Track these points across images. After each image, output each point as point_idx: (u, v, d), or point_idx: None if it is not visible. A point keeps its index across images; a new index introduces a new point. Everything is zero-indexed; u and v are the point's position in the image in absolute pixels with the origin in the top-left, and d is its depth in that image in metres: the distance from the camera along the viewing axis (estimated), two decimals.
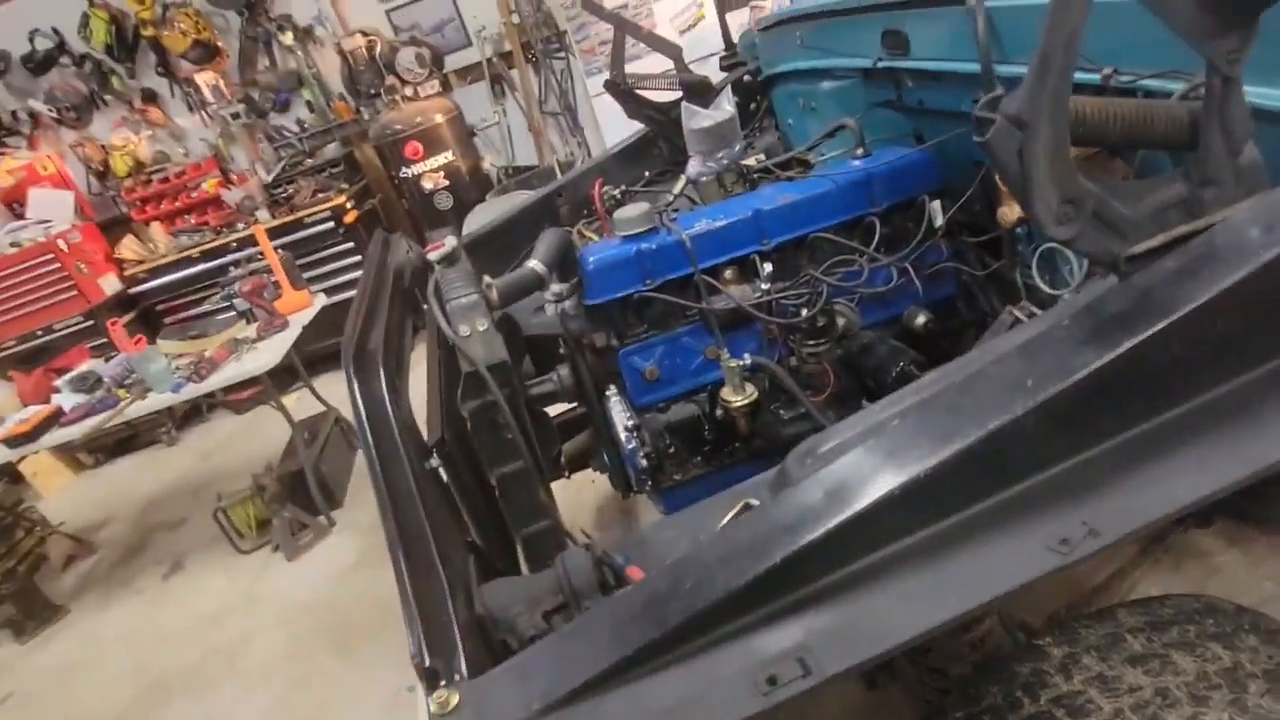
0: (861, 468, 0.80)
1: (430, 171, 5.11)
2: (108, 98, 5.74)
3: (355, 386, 1.12)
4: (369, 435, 1.06)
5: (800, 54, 2.19)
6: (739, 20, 3.44)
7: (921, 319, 1.74)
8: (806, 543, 0.73)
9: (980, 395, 0.80)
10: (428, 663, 0.82)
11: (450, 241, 1.67)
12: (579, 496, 3.05)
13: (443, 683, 0.80)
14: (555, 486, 2.26)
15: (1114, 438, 0.77)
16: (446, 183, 5.15)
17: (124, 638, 3.49)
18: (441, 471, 1.30)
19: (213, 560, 3.82)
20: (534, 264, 1.59)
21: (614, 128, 4.92)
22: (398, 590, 0.89)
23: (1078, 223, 0.84)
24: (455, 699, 0.77)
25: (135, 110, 5.75)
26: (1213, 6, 0.76)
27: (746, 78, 2.56)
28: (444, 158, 5.12)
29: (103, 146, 5.72)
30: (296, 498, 3.73)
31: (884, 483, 0.76)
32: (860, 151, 1.79)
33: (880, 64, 1.76)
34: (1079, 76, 1.23)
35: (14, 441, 3.30)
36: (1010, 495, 0.76)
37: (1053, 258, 1.41)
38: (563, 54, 5.64)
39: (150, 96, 5.74)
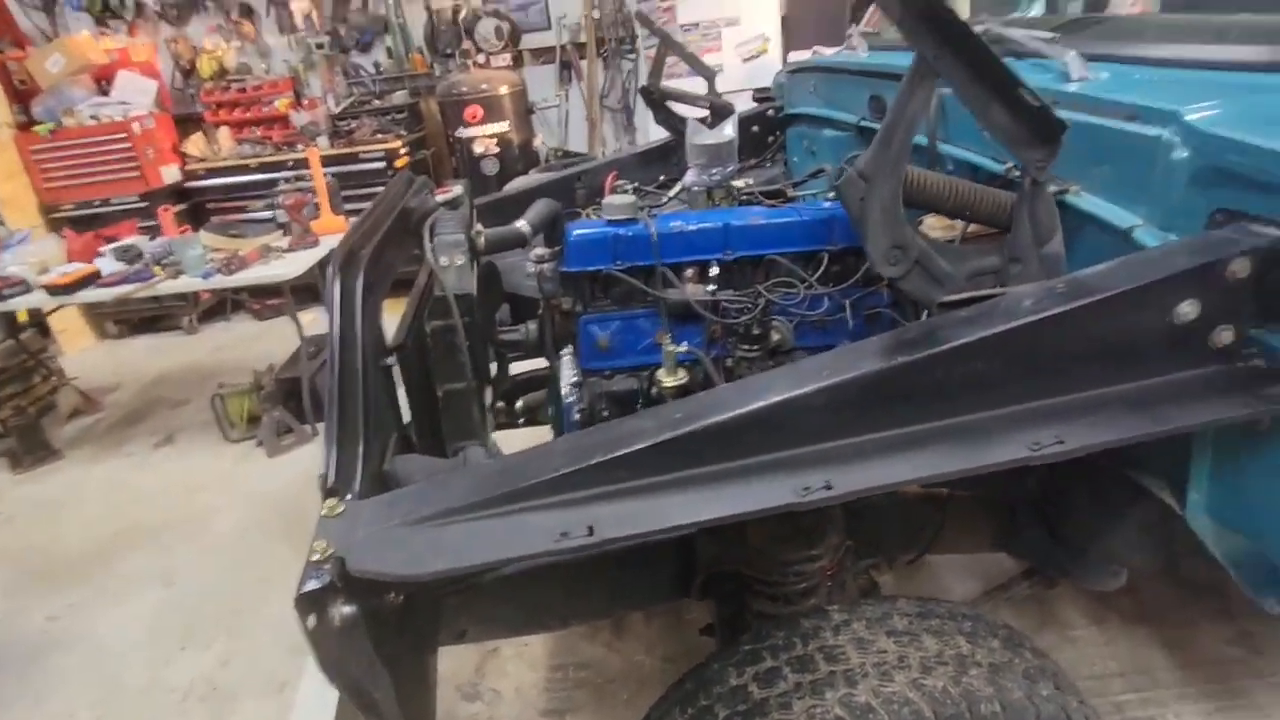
0: (690, 410, 1.03)
1: (484, 136, 5.40)
2: (209, 3, 6.12)
3: (336, 280, 1.37)
4: (336, 318, 1.30)
5: (812, 100, 2.42)
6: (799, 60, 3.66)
7: None
8: (620, 454, 0.97)
9: (791, 376, 1.03)
10: (331, 482, 1.07)
11: (457, 189, 1.92)
12: None
13: (336, 499, 1.05)
14: (516, 436, 2.51)
15: (875, 433, 0.99)
16: (497, 150, 5.43)
17: (105, 490, 3.80)
18: (396, 371, 1.55)
19: (201, 442, 4.13)
20: (521, 223, 1.84)
21: (662, 134, 5.16)
22: (324, 435, 1.14)
23: (904, 265, 1.07)
24: (341, 508, 1.02)
25: (230, 20, 6.13)
26: (1025, 124, 0.98)
27: (771, 111, 2.80)
28: (499, 126, 5.41)
29: (194, 47, 6.10)
30: (289, 403, 4.01)
31: (693, 423, 0.99)
32: (831, 195, 2.02)
33: (863, 124, 1.98)
34: (988, 164, 1.46)
35: (55, 290, 3.62)
36: (785, 455, 0.98)
37: None
38: (633, 56, 5.92)
39: (246, 11, 6.12)
